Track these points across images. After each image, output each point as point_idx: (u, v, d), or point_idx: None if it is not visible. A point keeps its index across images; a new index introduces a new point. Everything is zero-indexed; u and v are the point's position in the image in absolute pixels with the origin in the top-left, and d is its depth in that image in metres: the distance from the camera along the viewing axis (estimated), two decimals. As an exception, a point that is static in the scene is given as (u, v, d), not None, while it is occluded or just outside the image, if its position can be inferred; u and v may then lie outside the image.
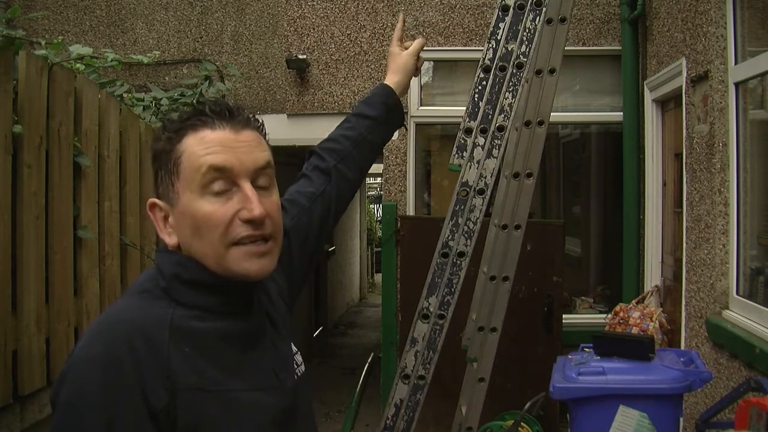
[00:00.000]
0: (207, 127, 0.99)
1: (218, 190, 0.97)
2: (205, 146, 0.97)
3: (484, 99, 2.28)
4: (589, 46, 4.71)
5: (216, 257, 0.97)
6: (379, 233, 7.54)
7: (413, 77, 1.61)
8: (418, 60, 1.59)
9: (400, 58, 1.57)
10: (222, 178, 0.97)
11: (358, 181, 1.45)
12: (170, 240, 1.02)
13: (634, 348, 2.46)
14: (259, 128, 1.05)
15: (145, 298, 0.98)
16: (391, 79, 1.54)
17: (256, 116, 1.06)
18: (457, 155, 2.29)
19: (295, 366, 1.11)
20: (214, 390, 0.94)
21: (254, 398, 0.98)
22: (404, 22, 1.66)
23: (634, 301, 4.13)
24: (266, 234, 0.99)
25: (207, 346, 0.96)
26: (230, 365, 0.97)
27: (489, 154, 2.28)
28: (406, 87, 1.57)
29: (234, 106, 1.02)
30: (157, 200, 1.03)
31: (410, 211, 4.80)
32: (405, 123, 1.58)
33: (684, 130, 3.53)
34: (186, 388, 0.91)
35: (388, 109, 1.49)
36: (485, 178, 2.28)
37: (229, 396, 0.95)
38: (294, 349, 1.14)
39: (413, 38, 1.65)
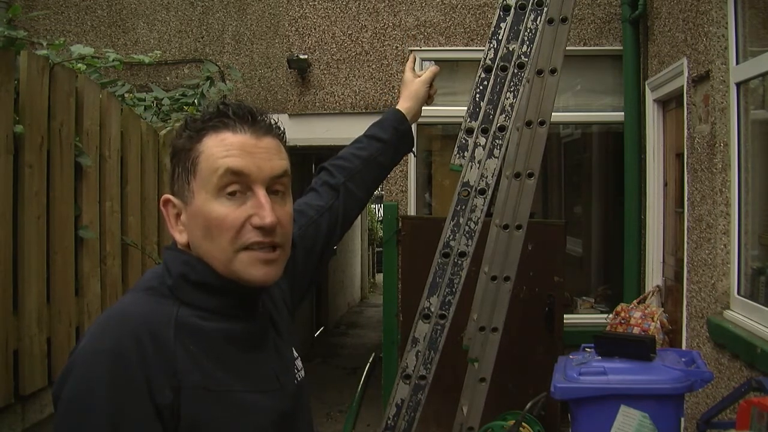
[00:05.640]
0: (228, 129, 0.99)
1: (233, 193, 0.97)
2: (225, 149, 0.98)
3: (486, 99, 2.27)
4: (590, 46, 4.71)
5: (224, 260, 0.98)
6: (381, 233, 7.55)
7: (426, 105, 1.63)
8: (431, 88, 1.62)
9: (412, 85, 1.60)
10: (238, 182, 0.97)
11: (365, 200, 1.47)
12: (180, 238, 1.02)
13: (636, 348, 2.46)
14: (280, 136, 1.05)
15: (151, 295, 0.98)
16: (404, 105, 1.57)
17: (278, 124, 1.06)
18: (458, 155, 2.29)
19: (296, 371, 1.12)
20: (217, 389, 0.94)
21: (255, 400, 0.98)
22: (415, 59, 1.70)
23: (635, 301, 4.13)
24: (276, 242, 0.99)
25: (211, 346, 0.96)
26: (233, 366, 0.98)
27: (490, 154, 2.28)
28: (417, 114, 1.60)
29: (257, 111, 1.03)
30: (171, 197, 1.03)
31: (411, 211, 4.80)
32: (414, 150, 1.61)
33: (685, 130, 3.52)
34: (190, 386, 0.91)
35: (399, 135, 1.53)
36: (486, 178, 2.28)
37: (231, 396, 0.95)
38: (295, 354, 1.14)
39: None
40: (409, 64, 1.67)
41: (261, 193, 0.98)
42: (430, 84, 1.62)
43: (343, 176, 1.41)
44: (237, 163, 0.97)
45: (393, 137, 1.51)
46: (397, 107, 1.57)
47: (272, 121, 1.05)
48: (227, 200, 0.97)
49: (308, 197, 1.39)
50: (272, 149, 1.01)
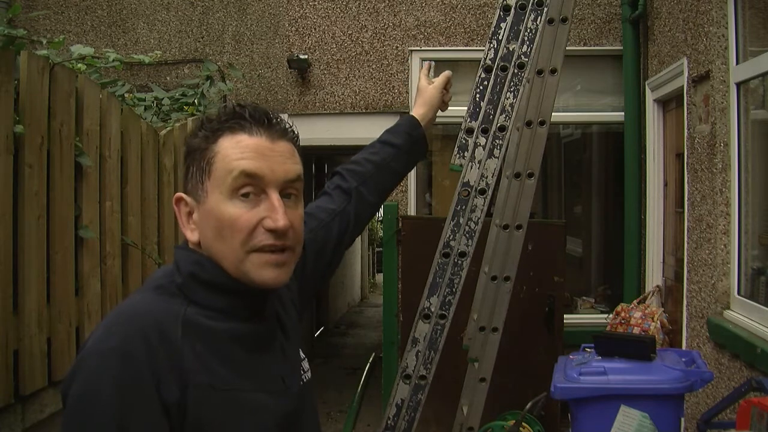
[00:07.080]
0: (244, 131, 1.00)
1: (246, 195, 0.98)
2: (240, 150, 0.98)
3: (486, 99, 2.27)
4: (590, 46, 4.71)
5: (235, 261, 0.98)
6: (381, 233, 7.54)
7: (441, 111, 1.65)
8: (446, 94, 1.64)
9: (426, 92, 1.63)
10: (252, 184, 0.98)
11: (378, 205, 1.49)
12: (192, 236, 1.03)
13: (636, 348, 2.46)
14: (294, 140, 1.06)
15: (160, 293, 0.99)
16: (418, 112, 1.60)
17: (293, 128, 1.07)
18: (458, 155, 2.29)
19: (302, 372, 1.12)
20: (223, 389, 0.95)
21: (260, 401, 0.99)
22: (430, 68, 1.73)
23: (635, 301, 4.13)
24: (287, 245, 1.00)
25: (218, 346, 0.97)
26: (239, 366, 0.98)
27: (490, 154, 2.28)
28: (431, 120, 1.62)
29: (273, 114, 1.03)
30: (184, 195, 1.04)
31: (411, 211, 4.80)
32: (427, 156, 1.62)
33: (685, 130, 3.53)
34: (196, 385, 0.92)
35: (412, 141, 1.54)
36: (486, 178, 2.28)
37: (236, 396, 0.96)
38: (302, 355, 1.15)
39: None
40: (423, 72, 1.69)
41: (274, 196, 0.98)
42: (446, 90, 1.64)
43: (355, 181, 1.42)
44: (252, 165, 0.98)
45: (406, 143, 1.53)
46: (411, 113, 1.60)
47: (287, 125, 1.06)
48: (240, 201, 0.98)
49: (320, 200, 1.40)
50: (287, 153, 1.02)
